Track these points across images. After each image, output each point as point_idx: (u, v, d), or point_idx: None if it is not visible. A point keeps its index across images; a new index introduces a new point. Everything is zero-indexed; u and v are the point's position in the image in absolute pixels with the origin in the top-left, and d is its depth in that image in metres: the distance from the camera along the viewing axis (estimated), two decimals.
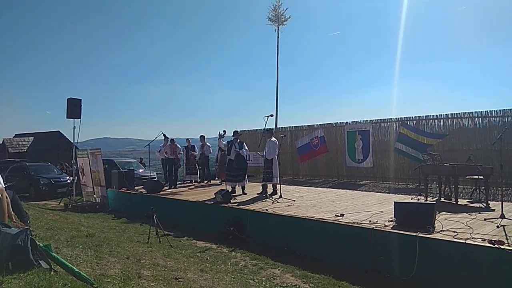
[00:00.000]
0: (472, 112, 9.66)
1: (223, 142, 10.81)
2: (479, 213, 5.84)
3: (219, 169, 12.17)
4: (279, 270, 4.95)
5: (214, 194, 8.11)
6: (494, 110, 9.30)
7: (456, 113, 9.94)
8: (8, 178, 12.12)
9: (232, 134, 9.33)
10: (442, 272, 4.35)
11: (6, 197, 4.52)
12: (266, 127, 8.44)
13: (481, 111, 9.50)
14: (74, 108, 11.46)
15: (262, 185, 8.81)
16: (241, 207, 7.36)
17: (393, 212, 5.39)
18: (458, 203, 6.84)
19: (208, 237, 6.90)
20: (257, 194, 8.73)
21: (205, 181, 12.38)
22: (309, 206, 7.18)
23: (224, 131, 12.03)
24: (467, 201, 7.08)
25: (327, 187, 10.70)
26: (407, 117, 10.86)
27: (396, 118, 11.15)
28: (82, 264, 3.91)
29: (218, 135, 11.53)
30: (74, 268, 3.34)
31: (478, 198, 7.06)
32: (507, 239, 4.29)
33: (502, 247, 3.98)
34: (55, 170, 15.54)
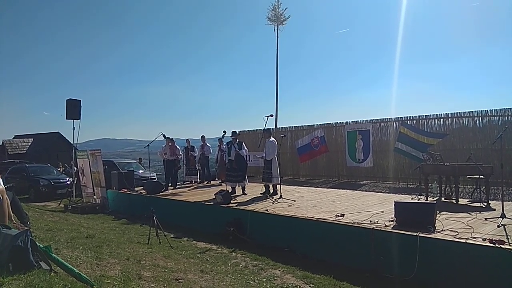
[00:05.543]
0: (472, 112, 9.64)
1: (224, 144, 10.82)
2: (480, 213, 5.84)
3: (219, 169, 12.17)
4: (279, 270, 4.94)
5: (214, 194, 8.11)
6: (494, 109, 9.28)
7: (456, 113, 9.92)
8: (7, 179, 12.12)
9: (231, 135, 9.33)
10: (443, 272, 4.35)
11: (6, 198, 4.52)
12: (265, 127, 8.44)
13: (481, 111, 9.48)
14: (73, 109, 11.48)
15: (263, 185, 8.81)
16: (241, 207, 7.35)
17: (394, 212, 5.38)
18: (459, 202, 6.84)
19: (209, 237, 6.89)
20: (258, 194, 8.72)
21: (205, 182, 12.37)
22: (310, 206, 7.17)
23: (224, 132, 12.03)
24: (468, 201, 7.08)
25: (328, 187, 10.69)
26: (407, 117, 10.84)
27: (397, 118, 11.13)
28: (82, 265, 3.90)
29: (219, 141, 11.56)
30: (74, 269, 3.34)
31: (478, 197, 7.05)
32: (507, 238, 4.28)
33: (502, 246, 3.97)
34: (54, 171, 15.53)
